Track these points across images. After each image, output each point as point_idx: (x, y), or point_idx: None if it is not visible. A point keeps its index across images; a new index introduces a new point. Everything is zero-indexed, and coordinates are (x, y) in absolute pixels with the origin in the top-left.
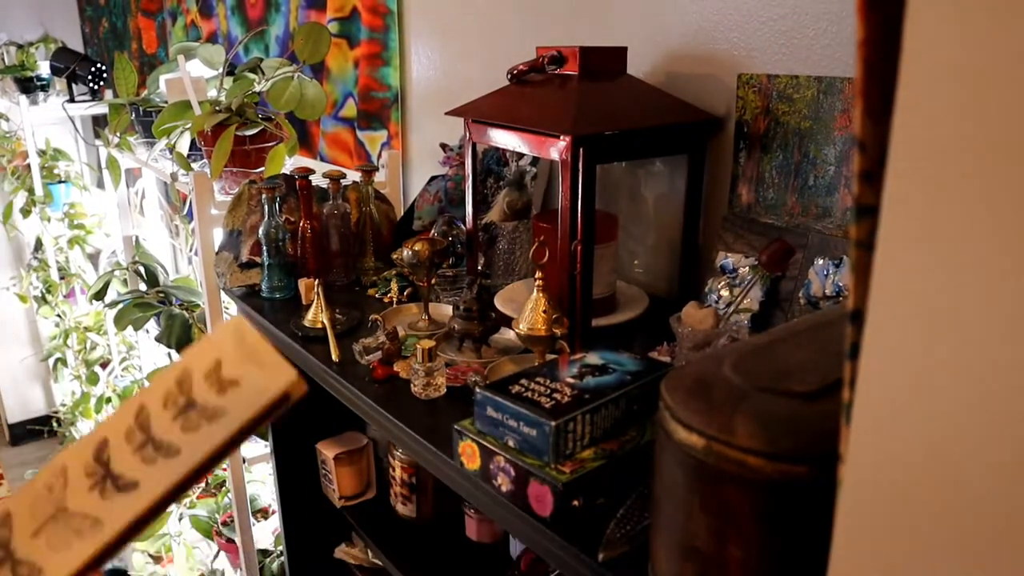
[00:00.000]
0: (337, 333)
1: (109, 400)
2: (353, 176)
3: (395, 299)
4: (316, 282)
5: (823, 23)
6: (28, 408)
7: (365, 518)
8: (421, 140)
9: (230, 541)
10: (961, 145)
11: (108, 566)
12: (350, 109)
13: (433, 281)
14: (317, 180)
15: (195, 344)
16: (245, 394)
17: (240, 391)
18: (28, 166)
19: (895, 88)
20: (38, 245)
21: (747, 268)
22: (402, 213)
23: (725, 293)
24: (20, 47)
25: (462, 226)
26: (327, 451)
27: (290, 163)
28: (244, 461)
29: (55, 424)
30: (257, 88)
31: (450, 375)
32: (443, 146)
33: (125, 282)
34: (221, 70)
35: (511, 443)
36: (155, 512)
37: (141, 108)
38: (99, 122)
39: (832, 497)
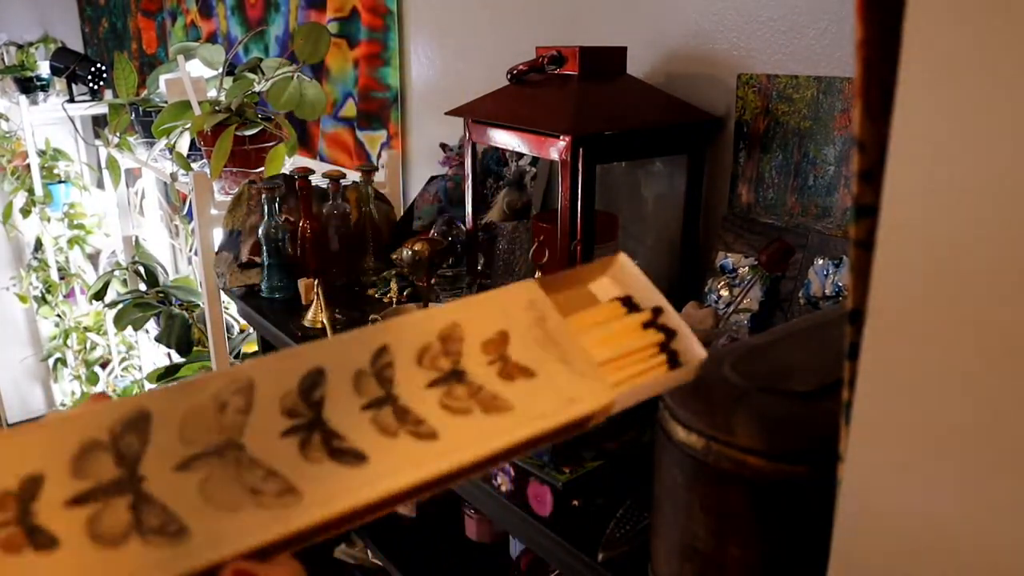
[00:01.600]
0: (337, 333)
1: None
2: (353, 176)
3: (395, 299)
4: (316, 282)
5: (823, 23)
6: (28, 408)
7: None
8: (421, 140)
9: None
10: (960, 145)
11: None
12: (350, 109)
13: (433, 281)
14: (317, 180)
15: (470, 298)
16: (540, 393)
17: (534, 386)
18: (28, 166)
19: (894, 88)
20: (38, 245)
21: (747, 268)
22: (402, 213)
23: (725, 293)
24: (20, 47)
25: (462, 226)
26: None
27: (290, 163)
28: None
29: None
30: (257, 88)
31: None
32: (443, 146)
33: (125, 282)
34: (221, 70)
35: None
36: (375, 509)
37: (141, 108)
38: (99, 122)
39: (832, 497)
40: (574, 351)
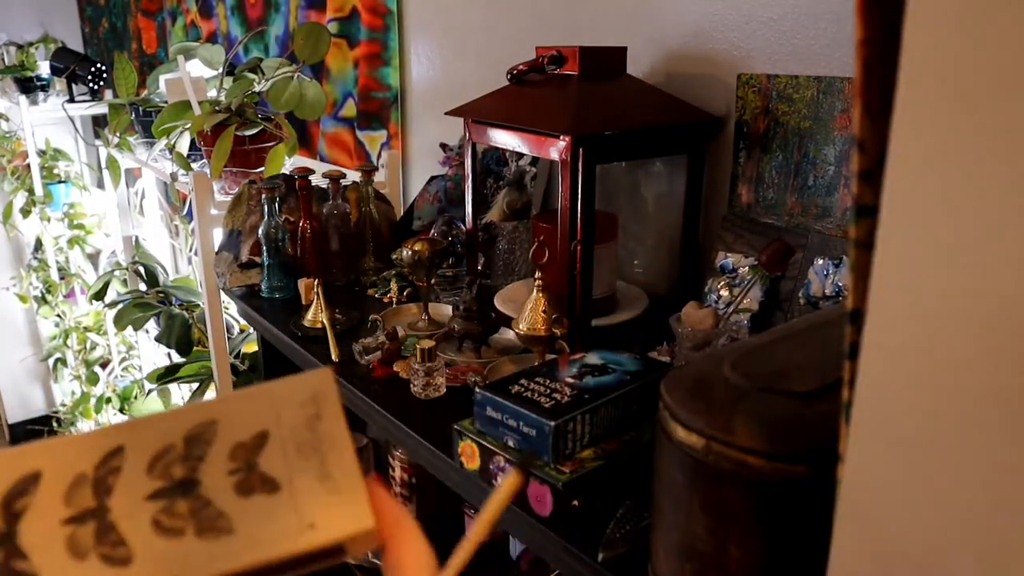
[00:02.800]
0: (337, 333)
1: (109, 400)
2: (353, 176)
3: (395, 299)
4: (316, 282)
5: (823, 23)
6: (28, 408)
7: None
8: (421, 140)
9: None
10: (960, 145)
11: None
12: (350, 109)
13: (433, 281)
14: (317, 180)
15: (250, 389)
16: (274, 514)
17: (271, 504)
18: (28, 166)
19: (894, 88)
20: (38, 245)
21: (747, 268)
22: (402, 213)
23: (725, 293)
24: (20, 47)
25: (462, 226)
26: None
27: (290, 163)
28: None
29: (55, 424)
30: (257, 88)
31: (450, 375)
32: (443, 146)
33: (125, 282)
34: (221, 70)
35: (511, 443)
36: None
37: (141, 108)
38: (99, 122)
39: (832, 497)
40: (340, 462)
